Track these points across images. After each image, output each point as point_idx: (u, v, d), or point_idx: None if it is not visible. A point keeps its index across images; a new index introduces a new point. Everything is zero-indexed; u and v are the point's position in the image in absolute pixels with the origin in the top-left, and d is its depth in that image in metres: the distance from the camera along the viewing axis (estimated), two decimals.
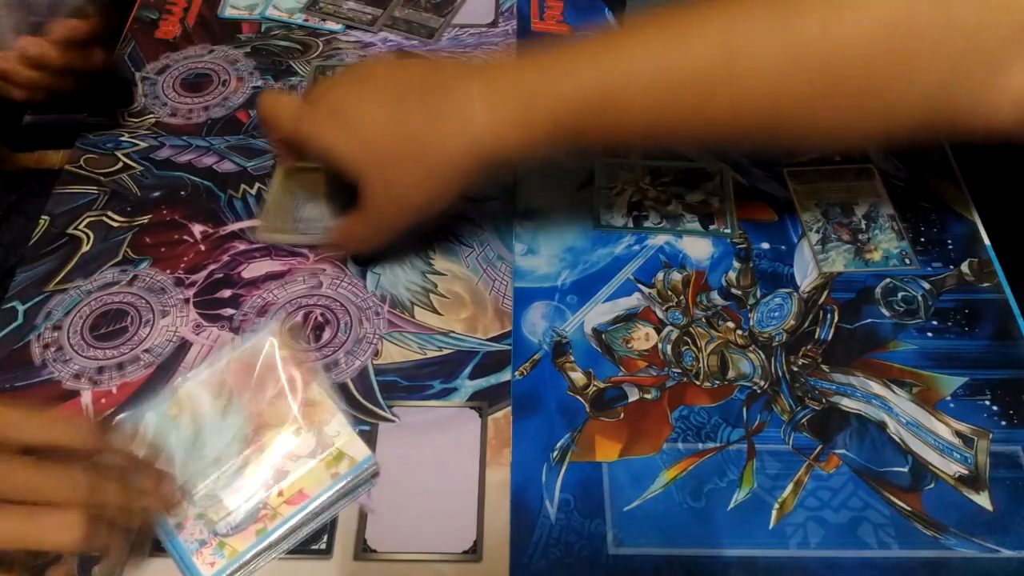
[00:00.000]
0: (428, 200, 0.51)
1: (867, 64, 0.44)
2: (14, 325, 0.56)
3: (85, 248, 0.60)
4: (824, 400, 0.52)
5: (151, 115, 0.69)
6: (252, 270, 0.59)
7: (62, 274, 0.59)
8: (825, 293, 0.57)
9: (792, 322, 0.56)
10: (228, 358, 0.50)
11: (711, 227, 0.61)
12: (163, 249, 0.60)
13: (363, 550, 0.47)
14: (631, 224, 0.62)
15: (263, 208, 0.62)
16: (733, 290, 0.58)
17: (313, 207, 0.60)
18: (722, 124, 0.48)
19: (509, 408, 0.52)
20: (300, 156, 0.55)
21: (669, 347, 0.55)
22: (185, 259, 0.60)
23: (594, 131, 0.49)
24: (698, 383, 0.53)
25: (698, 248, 0.60)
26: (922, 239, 0.60)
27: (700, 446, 0.51)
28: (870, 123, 0.47)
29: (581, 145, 0.51)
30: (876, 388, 0.53)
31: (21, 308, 0.57)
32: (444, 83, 0.50)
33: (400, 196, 0.51)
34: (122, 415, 0.51)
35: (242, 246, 0.60)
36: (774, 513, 0.48)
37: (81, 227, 0.61)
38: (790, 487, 0.49)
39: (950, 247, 0.60)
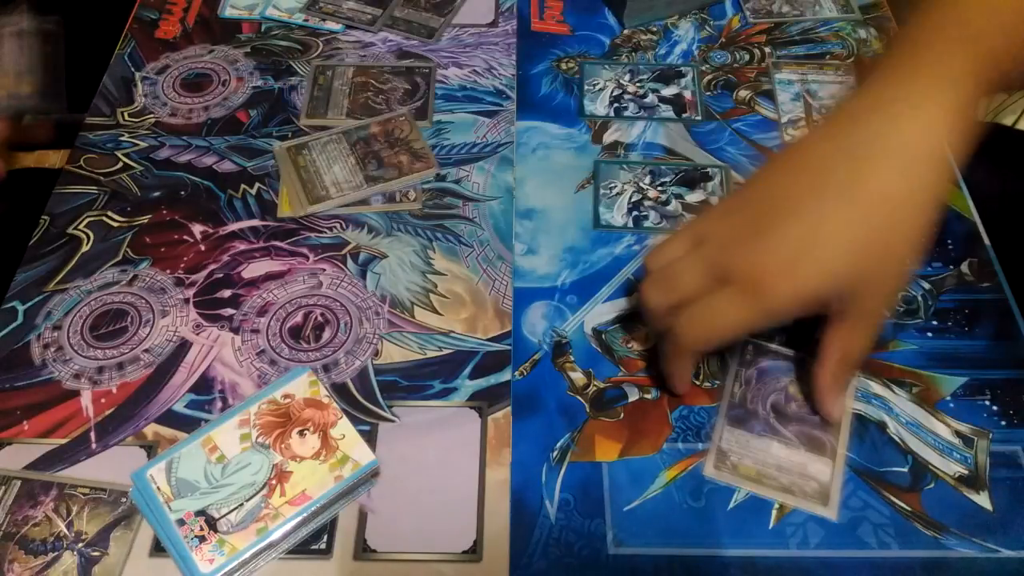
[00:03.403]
0: (918, 247, 0.44)
1: None
2: (14, 325, 0.56)
3: (85, 248, 0.60)
4: None
5: (151, 115, 0.69)
6: (252, 270, 0.59)
7: (62, 274, 0.59)
8: None
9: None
10: (258, 403, 0.50)
11: None
12: (163, 249, 0.60)
13: (363, 550, 0.47)
14: (631, 224, 0.62)
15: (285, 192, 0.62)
16: None
17: (339, 169, 0.59)
18: None
19: (509, 408, 0.52)
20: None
21: None
22: (185, 259, 0.60)
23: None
24: (698, 383, 0.53)
25: None
26: None
27: (700, 446, 0.51)
28: None
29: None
30: (876, 388, 0.53)
31: (21, 308, 0.57)
32: (839, 138, 0.44)
33: (895, 272, 0.45)
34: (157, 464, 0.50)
35: (242, 246, 0.60)
36: (774, 513, 0.48)
37: (81, 227, 0.61)
38: None
39: (950, 247, 0.60)
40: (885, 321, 0.47)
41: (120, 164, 0.66)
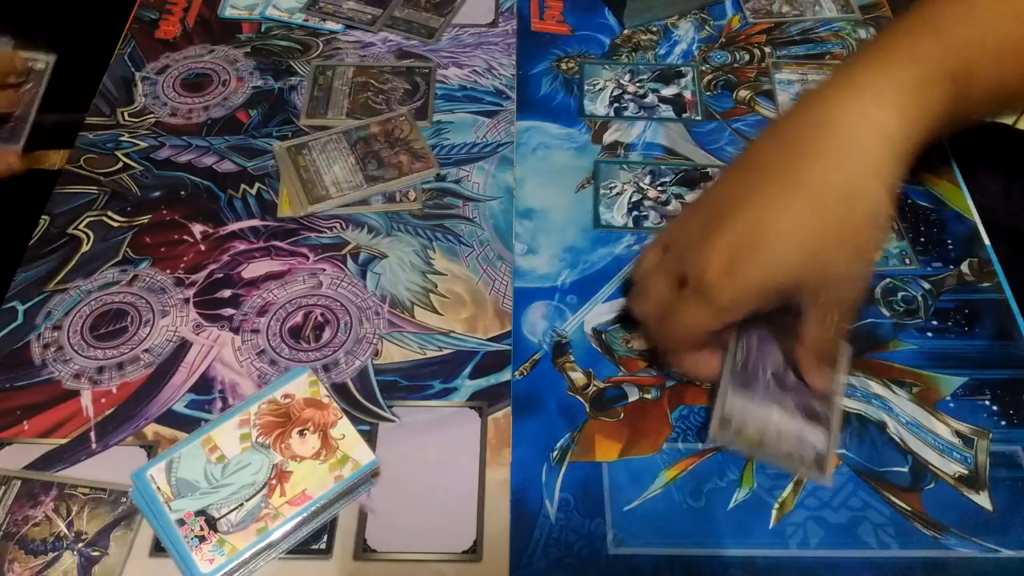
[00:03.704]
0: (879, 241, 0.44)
1: None
2: (14, 325, 0.56)
3: (85, 248, 0.60)
4: None
5: (151, 115, 0.69)
6: (252, 270, 0.59)
7: (62, 274, 0.59)
8: None
9: None
10: (258, 403, 0.50)
11: None
12: (163, 249, 0.60)
13: (363, 550, 0.47)
14: (631, 224, 0.62)
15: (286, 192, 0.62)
16: None
17: (339, 169, 0.60)
18: None
19: (509, 408, 0.52)
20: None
21: None
22: (185, 259, 0.60)
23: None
24: (698, 383, 0.53)
25: None
26: (922, 239, 0.60)
27: (700, 446, 0.51)
28: None
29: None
30: (876, 388, 0.53)
31: (21, 308, 0.57)
32: (795, 141, 0.44)
33: (861, 260, 0.44)
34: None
35: (242, 246, 0.60)
36: (774, 513, 0.48)
37: (81, 227, 0.61)
38: (790, 487, 0.49)
39: (950, 247, 0.60)
40: (859, 305, 0.46)
41: (120, 164, 0.66)
